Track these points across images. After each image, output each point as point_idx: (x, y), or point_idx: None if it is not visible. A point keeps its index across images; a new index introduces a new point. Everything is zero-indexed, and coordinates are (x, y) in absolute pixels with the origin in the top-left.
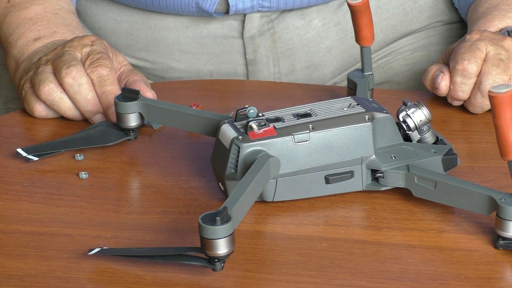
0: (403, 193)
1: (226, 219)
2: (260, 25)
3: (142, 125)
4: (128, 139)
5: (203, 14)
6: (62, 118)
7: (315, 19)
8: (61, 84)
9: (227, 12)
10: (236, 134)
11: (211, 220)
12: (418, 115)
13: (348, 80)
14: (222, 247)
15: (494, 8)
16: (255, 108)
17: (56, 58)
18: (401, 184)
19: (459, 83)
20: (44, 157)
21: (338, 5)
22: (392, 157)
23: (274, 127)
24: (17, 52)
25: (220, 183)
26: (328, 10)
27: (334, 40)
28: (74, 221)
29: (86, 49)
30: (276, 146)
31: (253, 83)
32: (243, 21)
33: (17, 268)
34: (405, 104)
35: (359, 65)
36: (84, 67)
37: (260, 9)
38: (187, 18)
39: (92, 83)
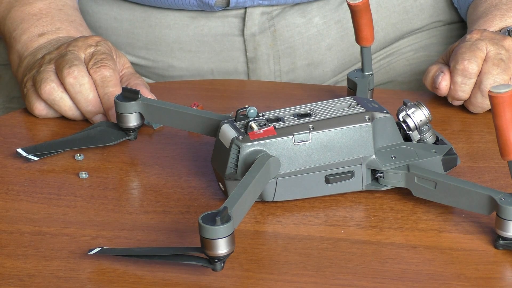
0: (403, 193)
1: (226, 219)
2: (261, 23)
3: (142, 125)
4: (128, 139)
5: (204, 7)
6: (62, 118)
7: (315, 17)
8: (62, 84)
9: (227, 5)
10: (236, 134)
11: (211, 220)
12: (418, 115)
13: (348, 80)
14: (222, 247)
15: (494, 8)
16: (255, 108)
17: (59, 58)
18: (401, 184)
19: (459, 83)
20: (44, 157)
21: (339, 3)
22: (392, 157)
23: (274, 127)
24: (21, 47)
25: (220, 183)
26: (329, 8)
27: (334, 38)
28: (74, 221)
29: (90, 50)
30: (276, 146)
31: (253, 83)
32: (244, 19)
33: (17, 268)
34: (405, 104)
35: (360, 64)
36: (87, 67)
37: (260, 2)
38: (188, 16)
39: (95, 83)
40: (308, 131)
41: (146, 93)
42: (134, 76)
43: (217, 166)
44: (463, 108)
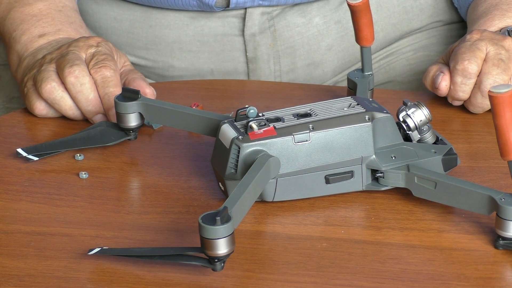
0: (403, 193)
1: (226, 219)
2: (261, 23)
3: (142, 125)
4: (128, 139)
5: (204, 8)
6: (63, 118)
7: (315, 17)
8: (63, 83)
9: (227, 6)
10: (236, 134)
11: (211, 220)
12: (418, 115)
13: (348, 80)
14: (222, 247)
15: (494, 8)
16: (255, 108)
17: (60, 57)
18: (401, 184)
19: (459, 83)
20: (44, 157)
21: (339, 3)
22: (392, 157)
23: (274, 127)
24: (21, 48)
25: (220, 183)
26: (329, 8)
27: (334, 38)
28: (74, 221)
29: (91, 50)
30: (276, 146)
31: (253, 83)
32: (244, 19)
33: (17, 268)
34: (405, 104)
35: (360, 64)
36: (88, 67)
37: (260, 2)
38: (188, 16)
39: (95, 83)
40: (308, 131)
41: (143, 86)
42: (131, 71)
43: (217, 166)
44: (463, 108)
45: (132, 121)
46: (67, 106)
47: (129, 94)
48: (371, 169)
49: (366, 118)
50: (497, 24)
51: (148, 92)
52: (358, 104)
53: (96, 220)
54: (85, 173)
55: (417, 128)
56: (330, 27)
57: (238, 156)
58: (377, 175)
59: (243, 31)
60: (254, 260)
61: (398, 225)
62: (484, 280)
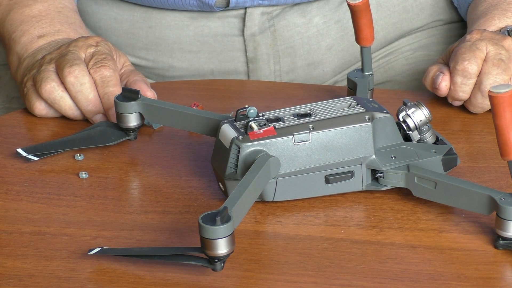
0: (403, 193)
1: (226, 219)
2: (261, 23)
3: (142, 125)
4: (128, 139)
5: (204, 8)
6: (63, 118)
7: (315, 17)
8: (63, 83)
9: (227, 5)
10: (236, 134)
11: (211, 220)
12: (418, 115)
13: (348, 80)
14: (222, 247)
15: (494, 7)
16: (255, 108)
17: (59, 57)
18: (401, 184)
19: (459, 84)
20: (44, 157)
21: (339, 3)
22: (392, 157)
23: (274, 127)
24: (21, 49)
25: (220, 183)
26: (329, 8)
27: (335, 38)
28: (74, 221)
29: (91, 50)
30: (276, 146)
31: (253, 83)
32: (244, 19)
33: (17, 268)
34: (405, 104)
35: (360, 64)
36: (87, 67)
37: (260, 2)
38: (188, 16)
39: (95, 83)
40: (308, 131)
41: (144, 89)
42: (133, 73)
43: (217, 166)
44: (463, 108)
45: (132, 121)
46: (67, 106)
47: (129, 94)
48: (371, 169)
49: (366, 118)
50: (497, 24)
51: (149, 95)
52: (358, 104)
53: (96, 220)
54: (85, 173)
55: (417, 128)
56: (330, 27)
57: (238, 156)
58: (377, 175)
59: (243, 31)
60: (254, 260)
61: (398, 225)
62: (484, 280)
